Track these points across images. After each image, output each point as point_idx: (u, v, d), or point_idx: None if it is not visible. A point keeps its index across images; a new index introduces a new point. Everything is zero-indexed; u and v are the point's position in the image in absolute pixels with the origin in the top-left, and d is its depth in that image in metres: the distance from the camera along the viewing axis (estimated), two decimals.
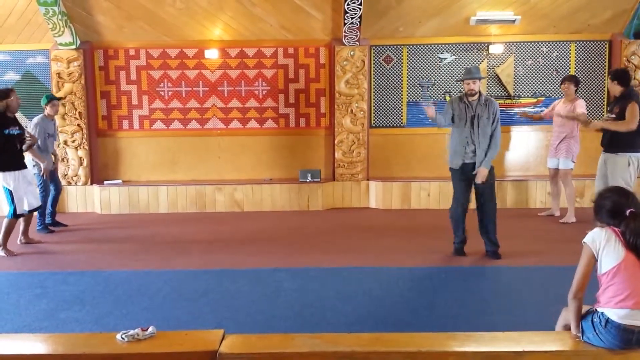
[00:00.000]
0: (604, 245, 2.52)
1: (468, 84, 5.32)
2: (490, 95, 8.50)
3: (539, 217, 7.49)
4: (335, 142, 8.45)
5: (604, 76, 8.40)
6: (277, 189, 8.33)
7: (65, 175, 8.30)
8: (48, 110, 6.94)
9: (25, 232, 6.28)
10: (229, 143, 8.73)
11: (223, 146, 8.74)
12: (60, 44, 8.18)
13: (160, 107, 8.67)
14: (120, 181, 8.58)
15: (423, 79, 8.60)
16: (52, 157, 7.09)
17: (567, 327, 2.72)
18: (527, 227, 6.85)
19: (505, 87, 8.55)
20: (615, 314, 2.48)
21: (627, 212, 2.52)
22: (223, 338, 2.68)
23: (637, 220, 2.50)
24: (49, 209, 7.14)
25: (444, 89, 8.60)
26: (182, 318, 3.96)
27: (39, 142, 6.62)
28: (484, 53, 8.48)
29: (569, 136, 7.01)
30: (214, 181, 8.56)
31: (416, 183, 8.26)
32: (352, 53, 8.26)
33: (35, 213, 6.52)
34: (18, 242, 6.21)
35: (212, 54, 8.45)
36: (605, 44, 8.45)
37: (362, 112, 8.37)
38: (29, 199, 5.95)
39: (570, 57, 8.48)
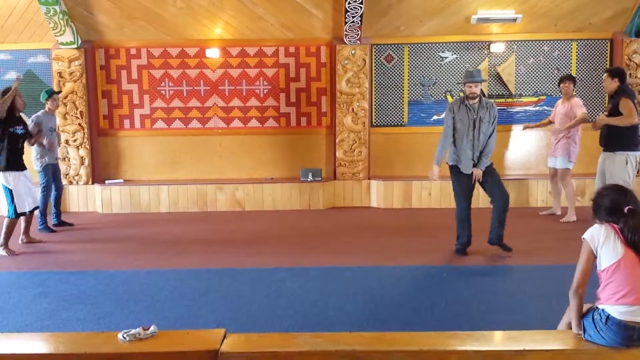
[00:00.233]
0: (602, 241, 2.53)
1: (470, 87, 5.30)
2: (492, 94, 8.50)
3: (540, 216, 7.49)
4: (337, 141, 8.45)
5: None
6: (278, 188, 8.33)
7: (67, 174, 8.31)
8: (49, 105, 6.94)
9: (26, 232, 6.29)
10: (230, 142, 8.73)
11: (224, 145, 8.74)
12: (62, 44, 8.18)
13: (162, 106, 8.67)
14: (121, 180, 8.58)
15: (424, 77, 8.59)
16: (56, 139, 7.07)
17: (570, 326, 2.72)
18: (528, 226, 6.84)
19: (506, 86, 8.55)
20: (616, 311, 2.48)
21: (626, 210, 2.53)
22: (224, 337, 2.68)
23: (635, 217, 2.51)
24: (53, 210, 7.15)
25: (445, 87, 8.60)
26: (184, 317, 3.96)
27: (45, 138, 6.67)
28: (485, 52, 8.47)
29: (567, 136, 7.01)
30: (215, 180, 8.56)
31: (417, 182, 8.26)
32: (353, 52, 8.25)
33: (36, 213, 6.54)
34: (19, 241, 6.22)
35: (213, 53, 8.45)
36: (607, 43, 8.44)
37: (363, 111, 8.37)
38: (29, 199, 5.95)
39: (571, 56, 8.48)
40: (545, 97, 8.52)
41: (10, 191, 5.77)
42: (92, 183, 8.48)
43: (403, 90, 8.63)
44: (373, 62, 8.55)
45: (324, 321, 3.83)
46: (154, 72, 8.60)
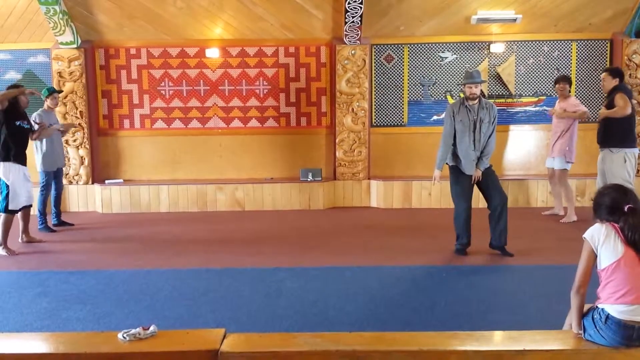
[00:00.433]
0: (603, 240, 2.54)
1: (470, 87, 5.30)
2: (492, 94, 8.51)
3: (540, 216, 7.49)
4: (336, 141, 8.45)
5: None
6: (278, 188, 8.33)
7: (67, 174, 8.31)
8: (48, 102, 6.96)
9: (25, 231, 6.28)
10: (230, 142, 8.73)
11: (224, 145, 8.74)
12: (61, 43, 8.18)
13: (161, 106, 8.67)
14: (121, 180, 8.58)
15: (424, 78, 8.60)
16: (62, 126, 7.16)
17: None
18: (529, 226, 6.84)
19: (506, 86, 8.55)
20: (615, 310, 2.48)
21: (626, 208, 2.54)
22: (224, 337, 2.68)
23: (635, 216, 2.51)
24: (53, 210, 7.15)
25: (444, 88, 8.60)
26: (184, 317, 3.96)
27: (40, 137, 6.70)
28: (485, 52, 8.48)
29: (563, 136, 7.01)
30: (215, 180, 8.56)
31: (417, 182, 8.26)
32: (353, 52, 8.25)
33: (36, 212, 6.55)
34: (19, 241, 6.22)
35: (213, 53, 8.45)
36: (607, 43, 8.44)
37: (363, 111, 8.37)
38: (23, 197, 5.91)
39: (571, 56, 8.48)
40: (545, 97, 8.53)
41: (7, 186, 5.76)
42: (92, 183, 8.48)
43: (403, 90, 8.63)
44: (373, 62, 8.55)
45: (324, 321, 3.83)
46: (154, 72, 8.60)
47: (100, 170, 8.69)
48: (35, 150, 6.86)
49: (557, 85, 7.19)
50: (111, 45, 8.55)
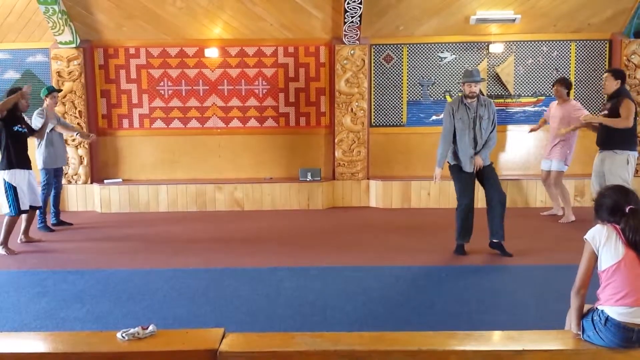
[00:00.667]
0: (604, 242, 2.53)
1: (470, 86, 5.30)
2: (491, 94, 8.51)
3: (540, 216, 7.49)
4: (336, 141, 8.45)
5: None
6: (277, 188, 8.33)
7: (66, 174, 8.29)
8: (48, 102, 6.96)
9: (25, 231, 6.28)
10: (229, 142, 8.73)
11: (223, 145, 8.74)
12: (60, 43, 8.18)
13: (161, 106, 8.67)
14: (120, 180, 8.58)
15: (423, 78, 8.60)
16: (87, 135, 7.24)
17: None
18: (528, 226, 6.85)
19: (505, 87, 8.56)
20: (615, 312, 2.48)
21: (627, 209, 2.53)
22: (223, 337, 2.68)
23: (637, 217, 2.50)
24: (52, 209, 7.14)
25: (444, 88, 8.60)
26: (183, 317, 3.96)
27: (45, 133, 6.73)
28: (484, 52, 8.48)
29: (564, 139, 7.00)
30: (214, 180, 8.56)
31: (416, 182, 8.26)
32: (352, 52, 8.25)
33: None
34: (18, 240, 6.21)
35: (212, 53, 8.45)
36: (606, 43, 8.45)
37: (362, 111, 8.37)
38: (32, 197, 5.96)
39: (570, 57, 8.49)
40: (544, 97, 8.53)
41: (14, 188, 5.77)
42: (91, 182, 8.48)
43: (402, 90, 8.63)
44: (372, 62, 8.55)
45: (323, 321, 3.83)
46: (153, 71, 8.60)
47: (99, 170, 8.69)
48: (36, 149, 6.86)
49: (553, 88, 7.17)
50: (110, 44, 8.54)
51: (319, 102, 8.68)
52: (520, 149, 8.69)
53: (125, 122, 8.70)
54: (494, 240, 5.47)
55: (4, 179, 5.80)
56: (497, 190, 5.40)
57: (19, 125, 5.90)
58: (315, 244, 6.18)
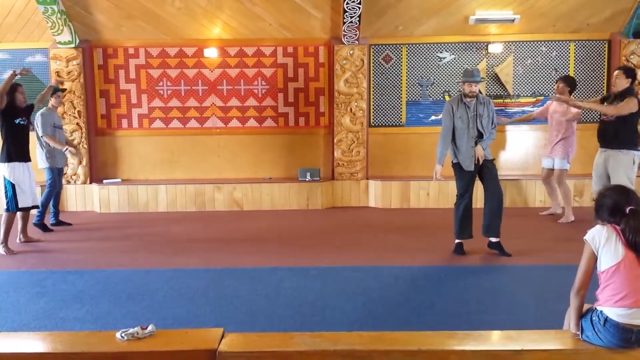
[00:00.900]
0: (603, 243, 2.52)
1: (470, 85, 5.31)
2: (490, 94, 8.52)
3: (538, 216, 7.50)
4: (335, 141, 8.45)
5: (604, 75, 8.42)
6: (276, 188, 8.33)
7: (65, 174, 8.29)
8: (52, 101, 6.98)
9: (24, 231, 6.28)
10: (228, 142, 8.73)
11: (222, 145, 8.74)
12: (59, 43, 8.17)
13: (160, 106, 8.66)
14: (119, 180, 8.57)
15: (422, 78, 8.60)
16: (76, 149, 7.17)
17: None
18: (527, 226, 6.85)
19: (504, 87, 8.56)
20: (614, 313, 2.48)
21: (627, 210, 2.52)
22: (223, 336, 2.68)
23: (637, 217, 2.49)
24: (51, 209, 7.14)
25: (443, 88, 8.61)
26: (182, 317, 3.95)
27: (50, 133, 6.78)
28: (483, 52, 8.48)
29: (565, 137, 7.00)
30: (214, 180, 8.56)
31: (415, 182, 8.26)
32: (351, 52, 8.26)
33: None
34: (17, 240, 6.21)
35: (211, 53, 8.45)
36: (605, 44, 8.46)
37: (361, 111, 8.37)
38: (31, 195, 5.96)
39: (569, 57, 8.49)
40: (543, 97, 8.54)
41: (13, 185, 5.78)
42: (90, 182, 8.47)
43: (401, 90, 8.63)
44: (371, 62, 8.55)
45: (323, 321, 3.83)
46: (152, 71, 8.60)
47: (98, 170, 8.68)
48: (39, 149, 6.86)
49: (556, 86, 7.15)
50: (109, 44, 8.53)
51: (318, 102, 8.68)
52: (519, 149, 8.69)
53: (125, 122, 8.70)
54: (492, 240, 5.48)
55: (3, 176, 5.80)
56: (495, 187, 5.42)
57: (20, 118, 5.91)
58: (314, 244, 6.18)
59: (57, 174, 7.00)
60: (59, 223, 7.19)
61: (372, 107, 8.64)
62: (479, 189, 5.67)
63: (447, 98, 8.56)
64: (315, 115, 8.71)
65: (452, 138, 5.45)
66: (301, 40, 8.51)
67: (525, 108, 8.56)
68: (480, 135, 5.39)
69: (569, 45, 8.48)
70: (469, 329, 2.93)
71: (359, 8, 7.51)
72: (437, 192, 8.17)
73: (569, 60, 8.50)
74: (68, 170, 8.33)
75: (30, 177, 5.97)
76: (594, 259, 2.56)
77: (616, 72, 6.00)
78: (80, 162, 8.40)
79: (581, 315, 2.62)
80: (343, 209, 8.37)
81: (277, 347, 2.59)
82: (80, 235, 6.76)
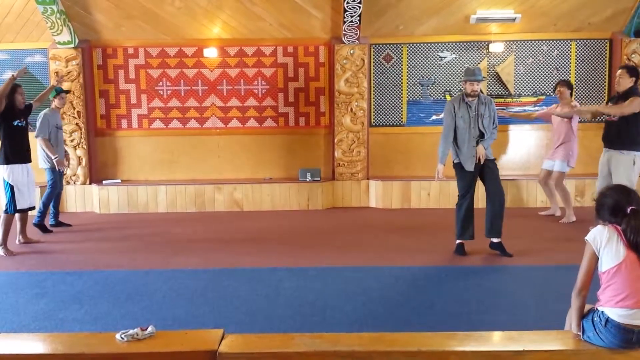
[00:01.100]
0: (605, 243, 2.51)
1: (472, 84, 5.29)
2: (491, 93, 8.50)
3: (539, 216, 7.49)
4: (335, 141, 8.44)
5: (605, 74, 8.40)
6: (276, 188, 8.32)
7: (64, 174, 8.28)
8: (56, 102, 6.98)
9: (23, 232, 6.27)
10: (228, 142, 8.72)
11: (222, 145, 8.73)
12: (59, 43, 8.17)
13: (159, 106, 8.65)
14: (119, 180, 8.57)
15: (423, 77, 8.59)
16: (64, 164, 7.09)
17: None
18: (528, 226, 6.84)
19: (505, 86, 8.55)
20: (615, 313, 2.47)
21: (628, 210, 2.51)
22: (222, 337, 2.67)
23: (638, 217, 2.48)
24: (51, 210, 7.13)
25: (444, 87, 8.59)
26: (182, 318, 3.94)
27: (50, 134, 6.76)
28: (484, 51, 8.47)
29: (567, 140, 7.00)
30: (213, 180, 8.55)
31: (416, 182, 8.25)
32: (351, 52, 8.25)
33: (38, 207, 6.59)
34: (17, 242, 6.20)
35: (211, 53, 8.44)
36: (606, 43, 8.44)
37: (362, 111, 8.36)
38: (30, 197, 5.96)
39: (570, 56, 8.48)
40: (544, 97, 8.52)
41: (11, 187, 5.77)
42: (90, 183, 8.47)
43: (402, 90, 8.62)
44: (372, 62, 8.54)
45: (323, 321, 3.82)
46: (152, 71, 8.59)
47: (98, 171, 8.67)
48: (40, 149, 6.85)
49: (556, 90, 7.18)
50: (109, 45, 8.53)
51: (319, 102, 8.67)
52: (520, 149, 8.68)
53: (124, 123, 8.69)
54: (494, 240, 5.47)
55: (2, 178, 5.80)
56: (496, 188, 5.41)
57: (19, 120, 5.89)
58: (314, 244, 6.17)
59: (58, 175, 7.00)
60: (58, 224, 7.19)
61: (372, 106, 8.63)
62: (480, 189, 5.66)
63: (448, 97, 8.55)
64: (315, 115, 8.70)
65: (453, 138, 5.44)
66: (301, 39, 8.50)
67: (527, 107, 8.55)
68: (481, 135, 5.38)
69: (570, 45, 8.47)
70: (470, 330, 2.92)
71: (360, 7, 7.50)
72: (438, 193, 8.16)
73: (570, 59, 8.49)
74: (68, 171, 8.31)
75: (29, 178, 5.96)
76: (595, 259, 2.55)
77: (619, 71, 5.97)
78: (79, 163, 8.40)
79: (582, 316, 2.61)
80: (343, 209, 8.36)
81: (277, 348, 2.59)
82: (80, 236, 6.76)
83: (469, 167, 5.39)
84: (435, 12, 8.09)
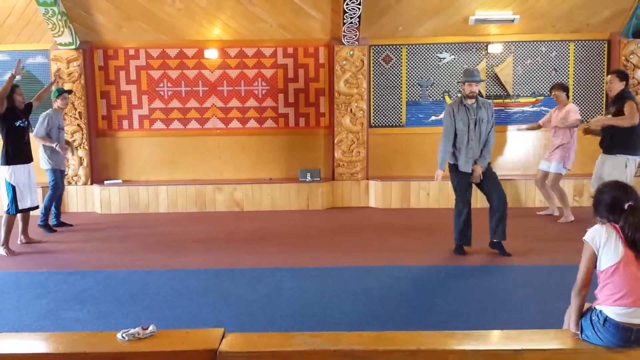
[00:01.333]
0: (604, 243, 2.51)
1: (470, 85, 5.31)
2: (490, 94, 8.52)
3: (537, 216, 7.51)
4: (335, 141, 8.46)
5: (603, 76, 8.41)
6: (276, 189, 8.33)
7: (66, 174, 8.30)
8: (58, 103, 6.99)
9: (25, 232, 6.29)
10: (228, 143, 8.74)
11: (223, 146, 8.75)
12: (60, 44, 8.18)
13: (160, 107, 8.67)
14: (120, 181, 8.58)
15: (422, 78, 8.61)
16: (66, 147, 7.10)
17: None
18: (526, 226, 6.85)
19: (504, 87, 8.57)
20: (613, 312, 2.48)
21: (626, 206, 2.50)
22: (223, 337, 2.69)
23: (636, 214, 2.47)
24: (53, 210, 7.14)
25: (443, 88, 8.61)
26: (183, 317, 3.96)
27: (51, 135, 6.78)
28: (483, 53, 8.49)
29: (565, 142, 7.02)
30: (214, 181, 8.56)
31: (415, 182, 8.27)
32: (351, 53, 8.26)
33: (40, 209, 6.61)
34: (18, 242, 6.22)
35: (211, 54, 8.46)
36: (604, 44, 8.46)
37: (361, 112, 8.38)
38: (31, 196, 5.98)
39: (569, 57, 8.50)
40: (542, 97, 8.54)
41: (13, 187, 5.79)
42: (91, 183, 8.48)
43: (401, 90, 8.64)
44: (371, 63, 8.56)
45: (323, 321, 3.84)
46: (153, 72, 8.61)
47: (99, 171, 8.69)
48: (41, 150, 6.87)
49: (552, 94, 7.23)
50: (110, 46, 8.55)
51: (318, 102, 8.69)
52: (519, 150, 8.70)
53: (125, 123, 8.71)
54: (495, 240, 5.49)
55: (4, 178, 5.82)
56: (497, 191, 5.43)
57: (20, 121, 5.91)
58: (314, 244, 6.19)
59: (59, 176, 7.02)
60: (60, 224, 7.20)
61: (372, 107, 8.64)
62: (477, 191, 5.67)
63: (446, 98, 8.57)
64: (315, 115, 8.72)
65: (453, 141, 5.45)
66: (301, 41, 8.52)
67: (525, 108, 8.57)
68: (479, 137, 5.39)
69: (569, 46, 8.48)
70: (469, 329, 2.94)
71: (359, 9, 7.52)
72: (438, 193, 8.18)
73: (568, 60, 8.50)
74: (69, 171, 8.33)
75: (30, 178, 5.98)
76: (594, 258, 2.55)
77: (609, 76, 6.08)
78: (80, 163, 8.42)
79: (581, 315, 2.62)
80: (343, 209, 8.37)
81: (277, 347, 2.60)
82: (81, 236, 6.77)
83: (467, 169, 5.41)
84: (434, 13, 8.11)
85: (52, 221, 7.15)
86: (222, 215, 8.06)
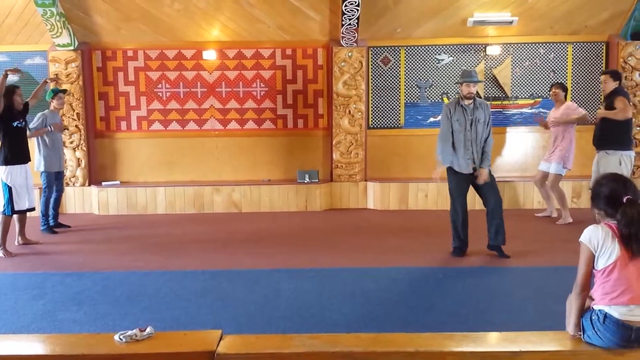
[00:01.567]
0: (602, 243, 2.51)
1: (468, 86, 5.32)
2: (488, 96, 8.53)
3: (535, 217, 7.51)
4: (333, 143, 8.46)
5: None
6: (275, 190, 8.33)
7: (64, 175, 8.28)
8: (54, 103, 6.99)
9: (22, 233, 6.27)
10: (227, 144, 8.73)
11: (221, 147, 8.74)
12: (58, 45, 8.18)
13: (158, 108, 8.67)
14: (118, 182, 8.57)
15: (420, 80, 8.62)
16: (60, 125, 7.08)
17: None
18: (525, 227, 6.86)
19: (502, 89, 8.58)
20: (613, 310, 2.48)
21: (624, 199, 2.49)
22: (221, 338, 2.68)
23: (633, 207, 2.46)
24: (51, 211, 7.13)
25: (441, 90, 8.62)
26: (181, 318, 3.96)
27: (46, 136, 6.79)
28: (482, 54, 8.50)
29: (562, 142, 7.03)
30: (212, 182, 8.56)
31: (414, 184, 8.27)
32: (349, 54, 8.27)
33: (38, 213, 6.56)
34: (16, 243, 6.20)
35: (210, 55, 8.46)
36: (602, 45, 8.47)
37: (360, 113, 8.38)
38: (28, 197, 5.96)
39: (567, 58, 8.51)
40: (541, 99, 8.55)
41: (10, 188, 5.78)
42: (89, 185, 8.47)
43: (399, 92, 8.65)
44: (370, 64, 8.57)
45: (321, 322, 3.84)
46: (151, 74, 8.60)
47: (97, 172, 8.68)
48: (36, 151, 6.86)
49: (550, 92, 7.27)
50: (108, 47, 8.54)
51: (317, 104, 8.69)
52: (517, 151, 8.70)
53: (123, 125, 8.70)
54: (494, 244, 5.49)
55: (1, 179, 5.80)
56: (494, 193, 5.43)
57: (18, 121, 5.91)
58: (313, 246, 6.18)
59: (52, 178, 6.98)
60: (57, 225, 7.19)
61: (370, 109, 8.65)
62: (472, 193, 5.67)
63: (445, 100, 8.58)
64: (313, 117, 8.73)
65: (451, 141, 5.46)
66: (300, 42, 8.52)
67: (524, 110, 8.58)
68: (476, 138, 5.39)
69: (567, 47, 8.50)
70: (467, 330, 2.93)
71: (358, 10, 7.52)
72: (436, 194, 8.18)
73: (567, 62, 8.52)
74: (67, 173, 8.30)
75: (27, 179, 5.96)
76: (592, 259, 2.54)
77: (603, 77, 6.20)
78: (78, 165, 8.40)
79: (581, 316, 2.62)
80: (341, 210, 8.37)
81: (275, 349, 2.60)
82: (79, 237, 6.76)
83: (464, 169, 5.42)
84: (432, 15, 8.12)
85: (50, 222, 7.13)
86: (220, 216, 8.05)
